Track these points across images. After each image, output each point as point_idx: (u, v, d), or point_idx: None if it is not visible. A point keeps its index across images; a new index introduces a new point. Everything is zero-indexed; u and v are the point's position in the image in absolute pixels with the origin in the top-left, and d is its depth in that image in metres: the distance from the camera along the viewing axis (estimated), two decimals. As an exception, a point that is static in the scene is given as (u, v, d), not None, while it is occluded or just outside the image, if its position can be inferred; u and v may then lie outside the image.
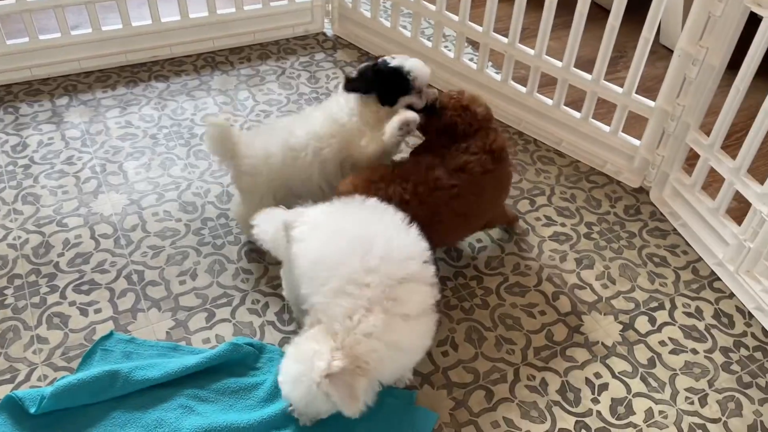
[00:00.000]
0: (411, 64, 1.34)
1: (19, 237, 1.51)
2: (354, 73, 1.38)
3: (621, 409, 1.24)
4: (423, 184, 1.27)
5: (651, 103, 1.60)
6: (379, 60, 1.37)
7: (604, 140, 1.74)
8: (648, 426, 1.22)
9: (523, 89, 1.84)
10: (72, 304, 1.38)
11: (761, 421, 1.24)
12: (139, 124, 1.86)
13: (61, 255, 1.48)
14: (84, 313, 1.36)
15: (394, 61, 1.35)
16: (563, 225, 1.62)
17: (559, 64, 1.72)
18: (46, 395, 1.16)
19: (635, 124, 1.72)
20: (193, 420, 1.16)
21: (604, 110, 1.80)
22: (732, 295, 1.47)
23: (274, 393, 1.21)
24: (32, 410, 1.15)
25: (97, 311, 1.37)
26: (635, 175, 1.73)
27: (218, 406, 1.19)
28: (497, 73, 1.95)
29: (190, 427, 1.15)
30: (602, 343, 1.35)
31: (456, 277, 1.48)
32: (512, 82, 1.87)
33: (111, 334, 1.32)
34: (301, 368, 1.01)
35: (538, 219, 1.63)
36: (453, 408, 1.23)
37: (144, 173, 1.70)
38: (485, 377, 1.29)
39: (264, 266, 1.48)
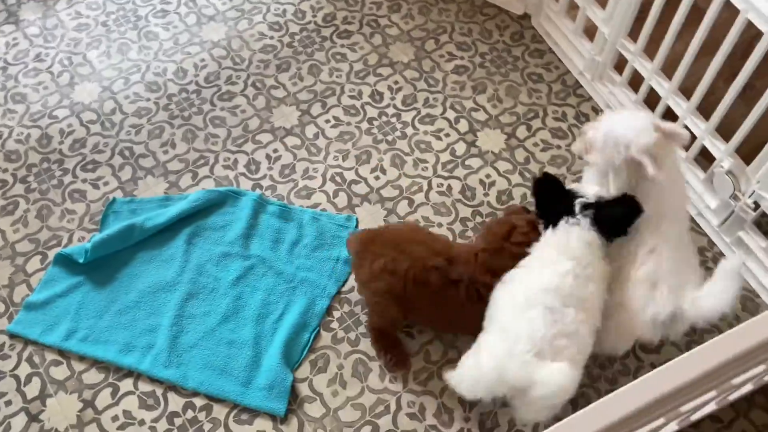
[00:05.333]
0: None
1: (22, 133, 1.85)
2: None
3: (504, 197, 1.74)
4: None
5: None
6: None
7: (493, -24, 2.04)
8: (522, 206, 1.72)
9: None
10: (84, 181, 1.77)
11: (602, 191, 1.74)
12: (88, 12, 2.09)
13: (61, 143, 1.83)
14: (96, 187, 1.76)
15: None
16: (462, 58, 1.99)
17: None
18: (88, 248, 1.60)
19: (516, -41, 2.01)
20: (198, 252, 1.63)
21: (492, -53, 2.08)
22: (590, 98, 1.91)
23: (247, 233, 1.67)
24: (81, 260, 1.60)
25: (106, 184, 1.76)
26: (519, 2, 2.06)
27: (212, 240, 1.66)
28: None
29: (197, 259, 1.62)
30: (491, 152, 1.81)
31: (380, 117, 1.88)
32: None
33: (114, 200, 1.73)
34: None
35: (441, 56, 2.00)
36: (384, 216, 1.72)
37: (107, 60, 1.99)
38: (407, 191, 1.75)
39: (227, 129, 1.85)
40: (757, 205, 1.50)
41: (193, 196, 1.70)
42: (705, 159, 1.64)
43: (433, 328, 1.53)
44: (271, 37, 2.04)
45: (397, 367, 1.49)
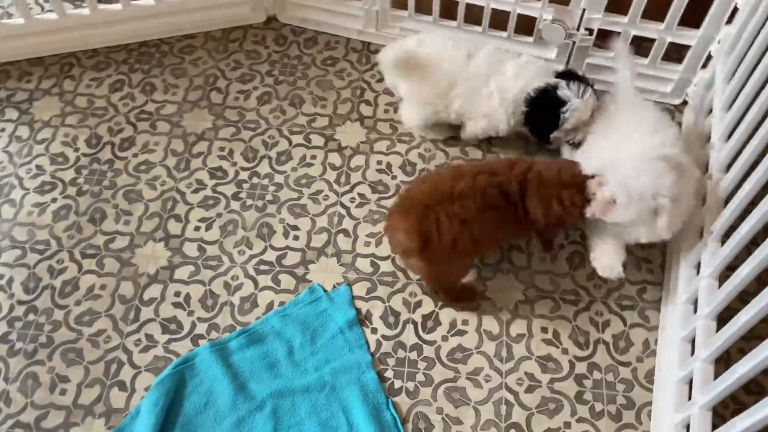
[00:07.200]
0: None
1: None
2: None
3: (409, 168, 1.68)
4: None
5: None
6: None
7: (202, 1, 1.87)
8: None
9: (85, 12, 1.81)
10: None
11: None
12: None
13: None
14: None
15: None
16: (256, 88, 1.83)
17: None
18: None
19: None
20: None
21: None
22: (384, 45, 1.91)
23: (237, 385, 1.38)
24: None
25: (29, 482, 1.28)
26: (256, 11, 1.95)
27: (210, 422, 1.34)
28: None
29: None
30: (360, 143, 1.73)
31: (240, 186, 1.66)
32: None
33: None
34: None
35: (236, 98, 1.81)
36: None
37: None
38: (331, 226, 1.59)
39: (104, 317, 1.47)
40: (591, 31, 1.68)
41: (148, 402, 1.33)
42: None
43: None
44: (54, 200, 1.63)
45: (468, 302, 1.48)
